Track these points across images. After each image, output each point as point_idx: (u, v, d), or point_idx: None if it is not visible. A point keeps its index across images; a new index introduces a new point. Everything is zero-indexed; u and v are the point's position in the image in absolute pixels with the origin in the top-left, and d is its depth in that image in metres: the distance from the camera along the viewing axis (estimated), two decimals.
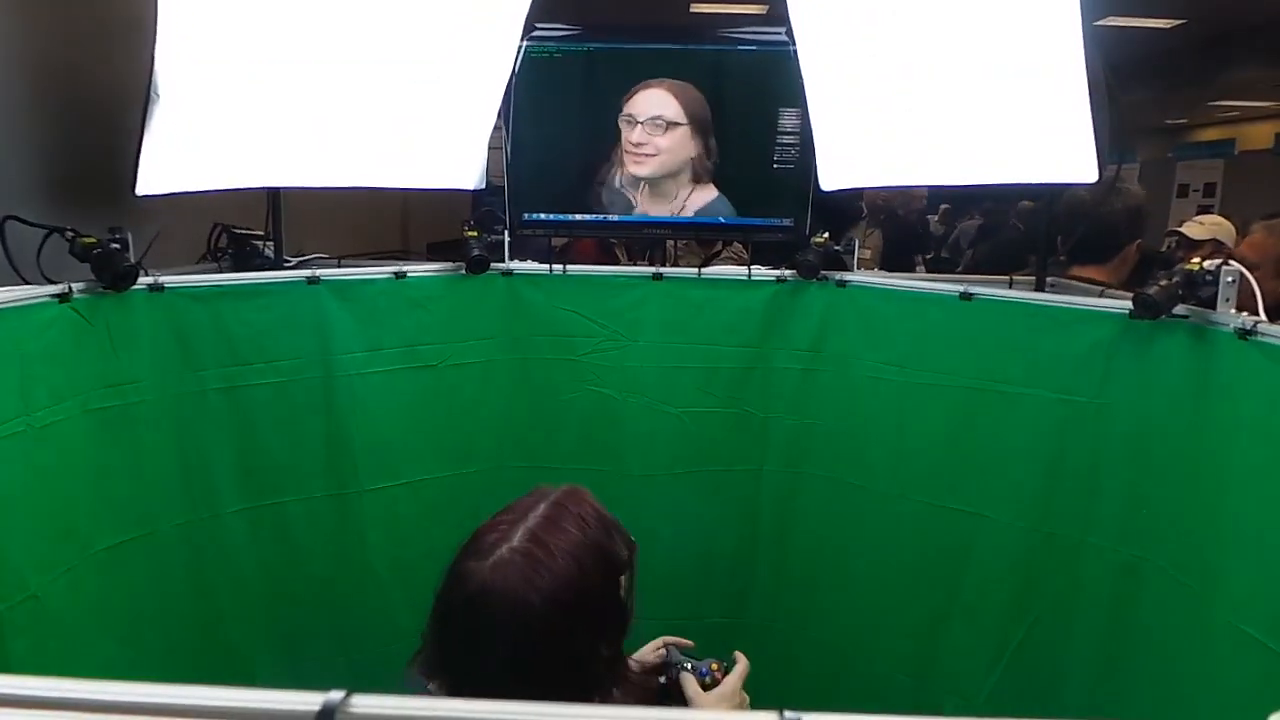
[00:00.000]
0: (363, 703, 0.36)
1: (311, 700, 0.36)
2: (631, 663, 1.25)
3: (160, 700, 0.35)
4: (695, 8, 7.29)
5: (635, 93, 2.26)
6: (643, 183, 2.31)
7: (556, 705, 0.38)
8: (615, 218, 2.34)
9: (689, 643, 1.29)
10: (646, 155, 2.27)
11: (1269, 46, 7.71)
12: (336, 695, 0.36)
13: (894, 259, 4.46)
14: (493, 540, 0.98)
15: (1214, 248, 3.15)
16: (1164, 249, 4.02)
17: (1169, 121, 12.48)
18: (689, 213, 2.32)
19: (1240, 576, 1.40)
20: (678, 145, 2.27)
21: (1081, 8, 1.78)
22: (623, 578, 1.05)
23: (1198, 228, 3.29)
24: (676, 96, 2.26)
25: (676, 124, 2.26)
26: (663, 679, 1.28)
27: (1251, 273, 1.56)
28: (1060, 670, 1.82)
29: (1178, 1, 7.12)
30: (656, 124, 2.26)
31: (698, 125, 2.27)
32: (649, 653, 1.34)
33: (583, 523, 1.02)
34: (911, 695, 2.06)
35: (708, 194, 2.31)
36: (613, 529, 1.06)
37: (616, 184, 2.31)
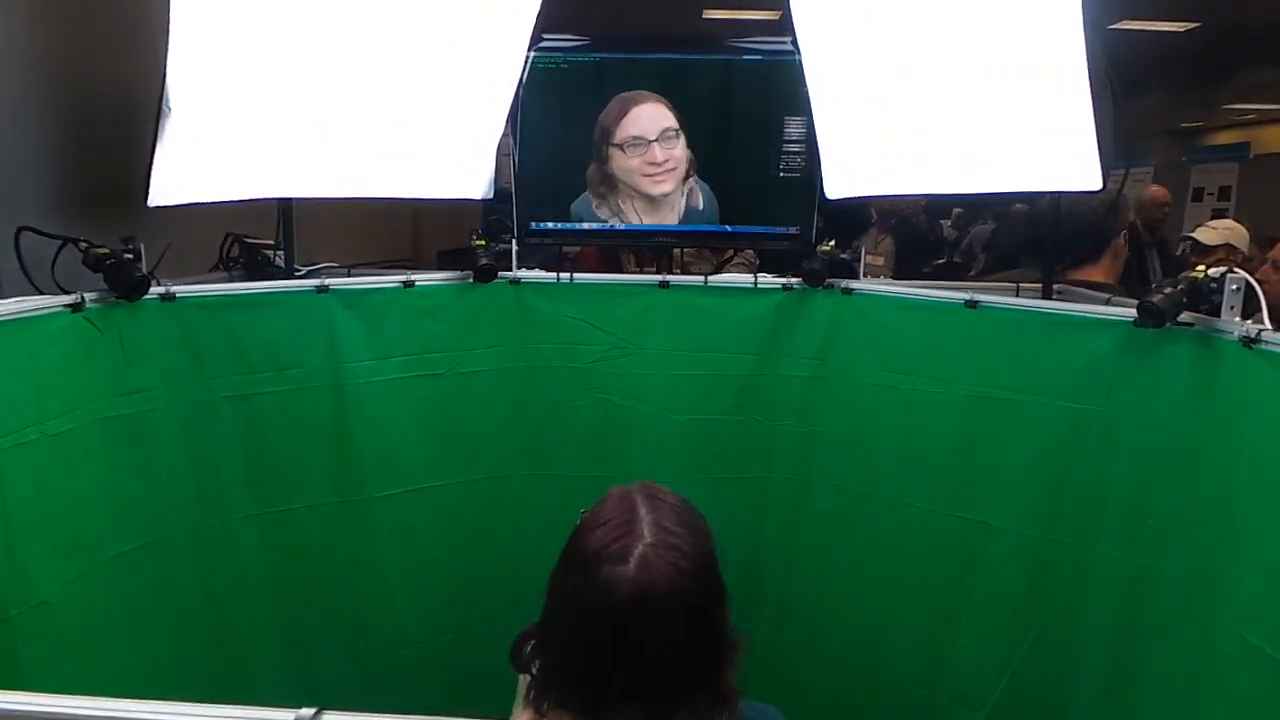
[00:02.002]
0: None
1: (283, 717, 0.36)
2: None
3: (132, 715, 0.36)
4: (708, 13, 7.30)
5: (626, 114, 2.26)
6: (653, 200, 2.32)
7: None
8: (623, 226, 2.34)
9: None
10: (668, 171, 2.28)
11: None
12: (307, 713, 0.37)
13: (906, 265, 4.43)
14: (621, 545, 0.98)
15: (1227, 252, 3.14)
16: (1178, 253, 4.00)
17: (1183, 125, 12.37)
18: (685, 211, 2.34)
19: (1247, 586, 1.39)
20: (684, 151, 2.29)
21: (1095, 11, 1.78)
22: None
23: (1210, 233, 3.27)
24: (666, 105, 2.27)
25: (681, 130, 2.28)
26: None
27: None
28: (1067, 680, 1.81)
29: (1192, 4, 7.07)
30: (669, 136, 2.27)
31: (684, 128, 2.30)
32: None
33: (676, 506, 1.05)
34: (918, 703, 2.06)
35: (695, 186, 2.33)
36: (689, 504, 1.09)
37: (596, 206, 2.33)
